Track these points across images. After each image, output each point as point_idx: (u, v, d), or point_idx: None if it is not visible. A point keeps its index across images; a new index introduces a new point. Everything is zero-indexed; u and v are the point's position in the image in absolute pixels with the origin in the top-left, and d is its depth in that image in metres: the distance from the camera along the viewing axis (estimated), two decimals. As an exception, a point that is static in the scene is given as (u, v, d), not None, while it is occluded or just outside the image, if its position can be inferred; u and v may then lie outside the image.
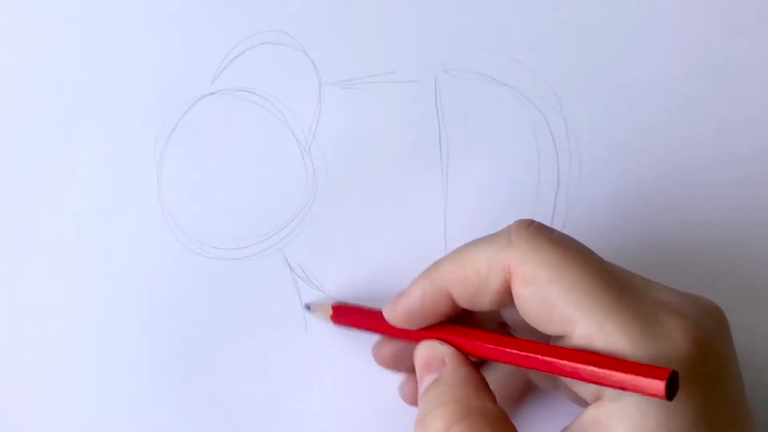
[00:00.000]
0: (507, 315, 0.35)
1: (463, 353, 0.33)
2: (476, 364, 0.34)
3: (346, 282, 0.39)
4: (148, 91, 0.39)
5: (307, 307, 0.39)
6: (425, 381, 0.33)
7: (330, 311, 0.38)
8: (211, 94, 0.39)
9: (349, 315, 0.37)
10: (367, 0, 0.40)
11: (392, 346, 0.37)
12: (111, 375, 0.39)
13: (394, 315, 0.34)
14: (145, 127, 0.39)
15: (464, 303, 0.33)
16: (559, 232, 0.32)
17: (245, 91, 0.39)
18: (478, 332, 0.33)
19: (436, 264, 0.34)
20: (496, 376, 0.37)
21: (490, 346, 0.32)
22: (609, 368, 0.28)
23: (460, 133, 0.39)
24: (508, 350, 0.31)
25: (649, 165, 0.39)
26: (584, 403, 0.31)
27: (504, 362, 0.32)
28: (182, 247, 0.39)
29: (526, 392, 0.38)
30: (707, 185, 0.39)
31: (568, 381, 0.31)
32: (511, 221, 0.39)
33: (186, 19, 0.39)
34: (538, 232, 0.32)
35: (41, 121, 0.39)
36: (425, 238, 0.39)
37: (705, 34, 0.40)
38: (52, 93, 0.39)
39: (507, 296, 0.32)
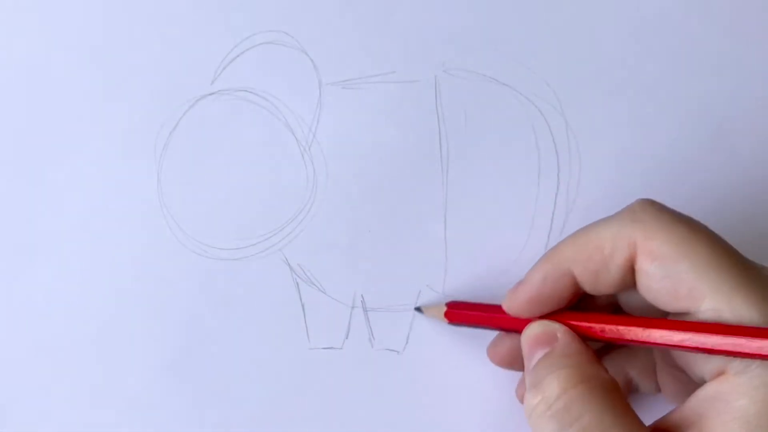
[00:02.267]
0: (625, 301, 0.35)
1: (578, 333, 0.33)
2: None
3: (346, 282, 0.39)
4: (148, 91, 0.39)
5: (418, 309, 0.38)
6: (536, 356, 0.33)
7: (444, 309, 0.37)
8: (211, 94, 0.39)
9: (464, 312, 0.37)
10: (367, 0, 0.40)
11: (510, 343, 0.36)
12: (111, 375, 0.39)
13: (515, 303, 0.34)
14: (145, 127, 0.39)
15: (587, 284, 0.33)
16: (681, 212, 0.32)
17: (245, 91, 0.39)
18: (598, 315, 0.33)
19: (557, 246, 0.33)
20: None
21: (613, 326, 0.32)
22: (745, 336, 0.29)
23: (460, 133, 0.39)
24: (633, 328, 0.31)
25: (649, 165, 0.39)
26: (695, 387, 0.31)
27: (628, 343, 0.32)
28: (182, 247, 0.39)
29: (626, 393, 0.37)
30: (707, 185, 0.39)
31: (687, 361, 0.31)
32: (511, 221, 0.39)
33: (186, 19, 0.39)
34: (662, 209, 0.32)
35: (41, 121, 0.39)
36: (425, 238, 0.39)
37: (705, 34, 0.40)
38: (53, 93, 0.39)
39: (630, 276, 0.32)
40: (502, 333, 0.37)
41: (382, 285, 0.39)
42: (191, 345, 0.39)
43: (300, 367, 0.39)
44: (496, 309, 0.35)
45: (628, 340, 0.32)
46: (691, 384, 0.32)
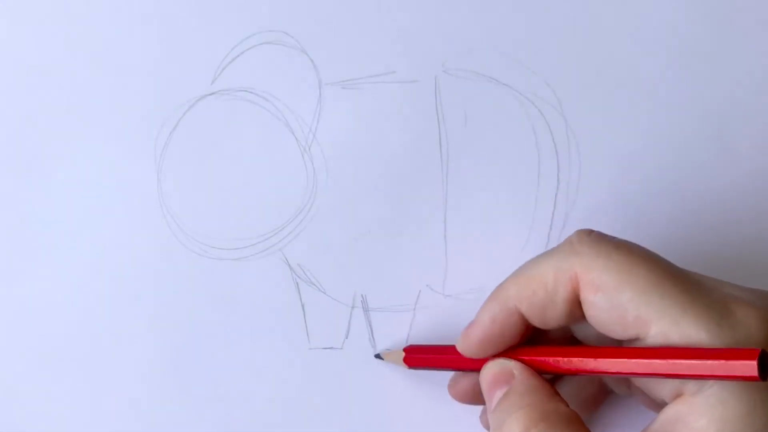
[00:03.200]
0: (579, 331, 0.35)
1: (533, 368, 0.33)
2: (549, 380, 0.33)
3: (346, 282, 0.39)
4: (148, 91, 0.39)
5: (378, 356, 0.39)
6: (495, 397, 0.33)
7: (402, 355, 0.37)
8: (212, 94, 0.39)
9: (422, 356, 0.37)
10: (367, 0, 0.40)
11: (469, 380, 0.36)
12: (111, 375, 0.39)
13: (467, 345, 0.34)
14: (145, 127, 0.39)
15: (535, 320, 0.33)
16: (619, 238, 0.32)
17: (245, 91, 0.39)
18: (550, 348, 0.33)
19: (501, 286, 0.34)
20: (571, 384, 0.37)
21: (565, 358, 0.32)
22: (695, 358, 0.28)
23: (460, 133, 0.39)
24: (585, 359, 0.32)
25: (649, 165, 0.39)
26: (660, 406, 0.31)
27: (582, 374, 0.32)
28: (182, 247, 0.39)
29: (600, 398, 0.38)
30: (707, 185, 0.39)
31: (645, 384, 0.32)
32: (511, 221, 0.39)
33: (186, 19, 0.39)
34: (600, 238, 0.32)
35: (42, 121, 0.39)
36: (425, 238, 0.39)
37: (705, 34, 0.40)
38: (53, 93, 0.39)
39: (577, 308, 0.32)
40: (459, 372, 0.37)
41: (382, 285, 0.39)
42: (191, 345, 0.39)
43: (300, 367, 0.39)
44: (453, 350, 0.35)
45: (582, 371, 0.32)
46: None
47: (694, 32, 0.40)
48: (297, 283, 0.39)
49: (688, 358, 0.29)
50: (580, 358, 0.32)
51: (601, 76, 0.39)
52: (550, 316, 0.32)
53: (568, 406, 0.32)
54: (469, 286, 0.39)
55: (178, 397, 0.39)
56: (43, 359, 0.39)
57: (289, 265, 0.39)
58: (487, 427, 0.37)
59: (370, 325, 0.39)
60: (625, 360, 0.30)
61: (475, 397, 0.36)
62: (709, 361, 0.28)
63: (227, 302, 0.39)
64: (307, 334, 0.39)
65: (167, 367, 0.39)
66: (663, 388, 0.31)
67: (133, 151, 0.39)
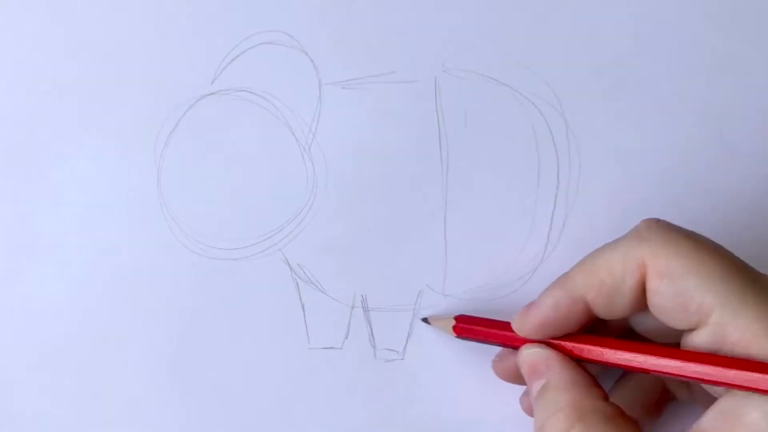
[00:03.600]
0: (637, 324, 0.35)
1: (567, 355, 0.33)
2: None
3: (346, 282, 0.39)
4: (148, 91, 0.39)
5: (425, 320, 0.38)
6: (534, 387, 0.34)
7: (452, 323, 0.37)
8: (211, 94, 0.39)
9: (472, 327, 0.37)
10: (367, 0, 0.40)
11: (515, 361, 0.36)
12: (111, 375, 0.39)
13: (525, 326, 0.34)
14: (145, 127, 0.39)
15: (600, 309, 0.33)
16: (686, 228, 0.33)
17: (245, 91, 0.39)
18: (599, 338, 0.33)
19: (567, 274, 0.34)
20: (633, 389, 0.37)
21: (613, 350, 0.32)
22: (747, 370, 0.29)
23: (460, 133, 0.39)
24: (635, 354, 0.32)
25: (649, 165, 0.39)
26: (710, 402, 0.31)
27: (627, 368, 0.32)
28: (182, 247, 0.39)
29: (662, 403, 0.38)
30: (707, 185, 0.39)
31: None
32: (511, 221, 0.39)
33: (186, 19, 0.39)
34: (667, 226, 0.32)
35: (42, 121, 0.39)
36: (425, 238, 0.39)
37: (705, 34, 0.40)
38: (53, 93, 0.39)
39: (641, 298, 0.32)
40: (506, 350, 0.37)
41: (382, 285, 0.39)
42: (191, 345, 0.39)
43: (300, 367, 0.39)
44: (504, 326, 0.35)
45: (626, 366, 0.32)
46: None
47: (695, 32, 0.40)
48: (297, 283, 0.39)
49: (739, 369, 0.29)
50: (629, 354, 0.32)
51: (601, 76, 0.39)
52: (615, 305, 0.33)
53: (606, 398, 0.32)
54: (469, 286, 0.39)
55: (178, 397, 0.39)
56: (43, 359, 0.39)
57: (289, 265, 0.39)
58: (526, 410, 0.37)
59: (370, 325, 0.39)
60: (676, 361, 0.31)
61: (519, 378, 0.36)
62: (753, 374, 0.29)
63: (227, 302, 0.39)
64: (307, 334, 0.39)
65: (167, 367, 0.39)
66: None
67: (133, 151, 0.39)
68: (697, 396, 0.36)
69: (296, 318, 0.39)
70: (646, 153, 0.39)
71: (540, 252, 0.39)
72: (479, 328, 0.37)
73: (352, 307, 0.39)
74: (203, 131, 0.39)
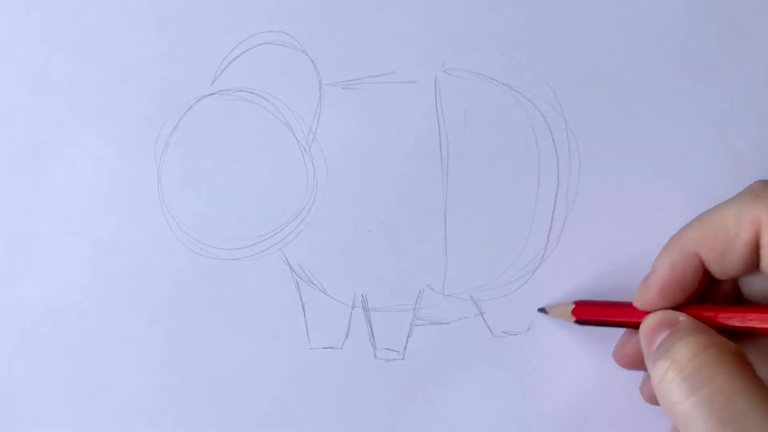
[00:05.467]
0: (748, 288, 0.35)
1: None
2: None
3: (346, 282, 0.39)
4: (148, 92, 0.39)
5: (542, 310, 0.38)
6: (657, 340, 0.33)
7: (571, 307, 0.37)
8: (212, 94, 0.39)
9: (592, 308, 0.37)
10: (367, 0, 0.40)
11: (637, 343, 0.36)
12: (111, 374, 0.39)
13: (647, 296, 0.34)
14: (145, 128, 0.39)
15: (714, 265, 0.33)
16: None
17: (245, 91, 0.39)
18: (722, 306, 0.33)
19: (681, 231, 0.34)
20: (756, 354, 0.36)
21: (739, 314, 0.33)
22: None
23: (460, 133, 0.39)
24: (761, 315, 0.32)
25: (649, 165, 0.39)
26: None
27: (755, 330, 0.32)
28: (183, 247, 0.39)
29: None
30: (707, 185, 0.39)
31: None
32: (510, 221, 0.39)
33: (186, 19, 0.39)
34: None
35: (42, 121, 0.39)
36: (425, 238, 0.39)
37: (705, 34, 0.39)
38: (53, 93, 0.39)
39: (755, 255, 0.32)
40: (628, 335, 0.37)
41: (382, 285, 0.39)
42: (191, 345, 0.39)
43: (300, 367, 0.39)
44: (624, 306, 0.35)
45: (752, 329, 0.32)
46: None
47: (695, 32, 0.39)
48: (297, 283, 0.39)
49: None
50: (754, 314, 0.32)
51: (601, 76, 0.39)
52: (729, 261, 0.33)
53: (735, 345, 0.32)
54: (469, 286, 0.39)
55: (178, 397, 0.39)
56: (43, 359, 0.39)
57: (290, 265, 0.39)
58: (649, 399, 0.37)
59: (371, 325, 0.39)
60: None
61: (642, 363, 0.35)
62: None
63: (227, 302, 0.39)
64: (308, 334, 0.39)
65: (167, 367, 0.39)
66: None
67: (133, 151, 0.39)
68: None
69: (296, 318, 0.39)
70: (646, 153, 0.39)
71: (540, 252, 0.39)
72: (600, 308, 0.37)
73: (353, 307, 0.39)
74: (204, 131, 0.39)
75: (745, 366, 0.30)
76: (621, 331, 0.37)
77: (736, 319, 0.33)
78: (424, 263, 0.39)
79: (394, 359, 0.39)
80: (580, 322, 0.37)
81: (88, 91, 0.39)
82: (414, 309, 0.39)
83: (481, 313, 0.39)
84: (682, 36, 0.39)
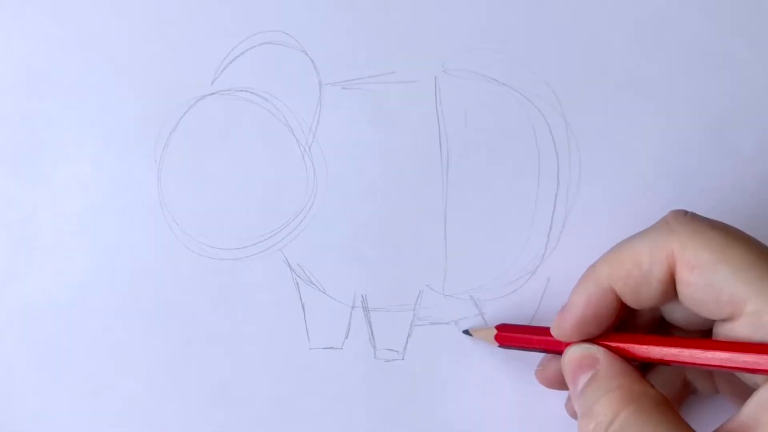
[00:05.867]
0: (669, 313, 0.35)
1: (621, 355, 0.33)
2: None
3: (346, 282, 0.39)
4: (148, 92, 0.39)
5: (466, 332, 0.39)
6: (581, 381, 0.33)
7: (493, 333, 0.37)
8: (212, 94, 0.39)
9: (513, 335, 0.37)
10: (367, 0, 0.40)
11: (558, 366, 0.36)
12: (111, 374, 0.39)
13: (562, 330, 0.34)
14: (145, 128, 0.39)
15: (629, 299, 0.33)
16: (714, 219, 0.32)
17: (245, 91, 0.39)
18: (641, 336, 0.33)
19: (595, 266, 0.34)
20: (654, 380, 0.36)
21: (657, 347, 0.32)
22: None
23: (460, 133, 0.39)
24: (679, 349, 0.32)
25: (649, 165, 0.39)
26: (746, 396, 0.31)
27: (673, 364, 0.32)
28: (182, 247, 0.39)
29: (683, 396, 0.38)
30: (707, 185, 0.39)
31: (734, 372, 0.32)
32: (510, 221, 0.39)
33: (186, 19, 0.39)
34: (695, 218, 0.32)
35: (42, 121, 0.39)
36: (425, 238, 0.39)
37: (705, 34, 0.40)
38: (53, 94, 0.39)
39: (671, 288, 0.32)
40: (548, 358, 0.37)
41: (382, 285, 0.39)
42: (191, 345, 0.39)
43: (300, 367, 0.39)
44: (546, 331, 0.35)
45: (670, 361, 0.32)
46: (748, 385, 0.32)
47: (694, 32, 0.40)
48: (297, 283, 0.39)
49: None
50: (674, 348, 0.32)
51: (601, 76, 0.39)
52: (644, 295, 0.32)
53: (654, 388, 0.32)
54: (469, 286, 0.39)
55: (178, 397, 0.39)
56: (42, 359, 0.39)
57: (290, 265, 0.39)
58: (573, 414, 0.37)
59: (371, 325, 0.39)
60: (715, 352, 0.30)
61: (563, 384, 0.36)
62: None
63: (227, 302, 0.39)
64: (307, 334, 0.39)
65: (167, 367, 0.39)
66: (752, 376, 0.31)
67: (133, 151, 0.39)
68: (720, 388, 0.35)
69: (296, 318, 0.39)
70: (646, 153, 0.39)
71: (540, 252, 0.39)
72: (521, 335, 0.37)
73: (352, 307, 0.39)
74: (204, 131, 0.39)
75: (667, 414, 0.30)
76: None
77: (654, 352, 0.32)
78: (424, 263, 0.39)
79: (394, 359, 0.39)
80: (504, 346, 0.37)
81: (88, 91, 0.39)
82: (414, 309, 0.39)
83: (481, 313, 0.39)
84: (681, 36, 0.40)
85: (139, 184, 0.39)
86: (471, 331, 0.38)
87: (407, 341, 0.39)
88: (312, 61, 0.39)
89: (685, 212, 0.33)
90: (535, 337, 0.36)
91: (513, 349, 0.37)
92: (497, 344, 0.37)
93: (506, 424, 0.39)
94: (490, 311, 0.39)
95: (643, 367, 0.36)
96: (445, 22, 0.40)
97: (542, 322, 0.38)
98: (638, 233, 0.33)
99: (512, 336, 0.37)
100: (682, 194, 0.39)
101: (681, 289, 0.32)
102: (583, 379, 0.33)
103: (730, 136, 0.39)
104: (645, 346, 0.33)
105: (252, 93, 0.39)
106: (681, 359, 0.32)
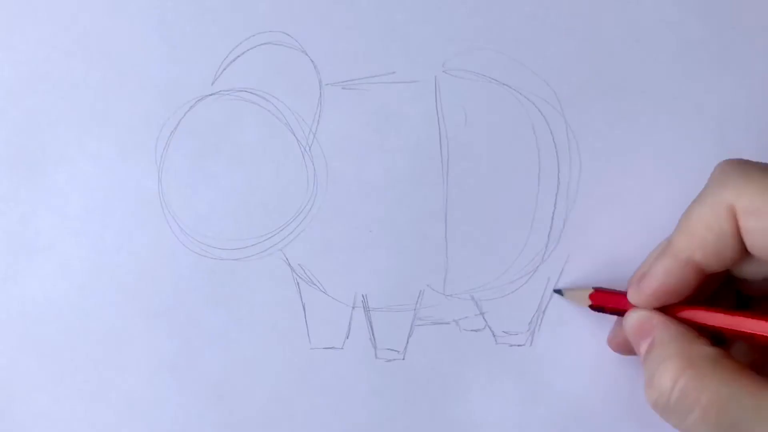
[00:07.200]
0: (745, 273, 0.35)
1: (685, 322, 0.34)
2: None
3: (346, 282, 0.39)
4: (148, 92, 0.39)
5: (558, 291, 0.39)
6: (642, 347, 0.34)
7: (589, 292, 0.37)
8: (212, 94, 0.39)
9: (608, 297, 0.37)
10: (367, 0, 0.40)
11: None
12: (111, 375, 0.39)
13: (640, 297, 0.35)
14: (146, 128, 0.39)
15: (711, 264, 0.33)
16: (763, 162, 0.33)
17: (246, 91, 0.39)
18: (713, 308, 0.34)
19: (671, 240, 0.34)
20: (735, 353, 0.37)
21: (726, 315, 0.33)
22: None
23: (460, 133, 0.39)
24: (747, 319, 0.33)
25: (649, 165, 0.39)
26: None
27: (740, 335, 0.33)
28: (183, 248, 0.39)
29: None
30: (707, 185, 0.39)
31: None
32: (510, 221, 0.39)
33: (186, 20, 0.39)
34: (743, 164, 0.33)
35: (42, 122, 0.39)
36: (425, 238, 0.39)
37: (704, 34, 0.40)
38: (53, 94, 0.39)
39: (742, 242, 0.32)
40: (620, 324, 0.37)
41: (382, 285, 0.39)
42: (191, 345, 0.39)
43: (300, 367, 0.39)
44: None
45: (737, 332, 0.33)
46: None
47: (694, 33, 0.40)
48: (297, 283, 0.39)
49: None
50: (740, 317, 0.33)
51: (601, 76, 0.39)
52: (723, 254, 0.33)
53: (711, 344, 0.33)
54: (469, 285, 0.39)
55: (178, 397, 0.39)
56: (43, 359, 0.39)
57: (290, 265, 0.39)
58: (616, 349, 0.38)
59: (371, 325, 0.39)
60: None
61: (633, 350, 0.36)
62: None
63: (227, 302, 0.39)
64: (308, 334, 0.39)
65: (167, 367, 0.39)
66: None
67: (134, 152, 0.39)
68: None
69: (297, 318, 0.39)
70: (646, 153, 0.39)
71: (540, 252, 0.39)
72: (614, 297, 0.37)
73: (353, 307, 0.39)
74: (204, 132, 0.39)
75: (726, 374, 0.31)
76: None
77: (721, 320, 0.33)
78: (424, 263, 0.39)
79: (394, 359, 0.39)
80: (596, 307, 0.37)
81: (89, 91, 0.39)
82: (415, 309, 0.39)
83: (482, 313, 0.39)
84: (682, 36, 0.40)
85: (139, 184, 0.39)
86: (564, 291, 0.38)
87: (408, 341, 0.39)
88: (312, 61, 0.39)
89: (732, 161, 0.33)
90: (627, 300, 0.36)
91: (605, 312, 0.37)
92: (589, 305, 0.37)
93: (506, 423, 0.39)
94: (490, 311, 0.39)
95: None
96: (445, 22, 0.40)
97: (545, 322, 0.39)
98: (698, 196, 0.34)
99: (607, 297, 0.37)
100: (681, 194, 0.39)
101: (746, 239, 0.32)
102: (644, 345, 0.34)
103: (730, 136, 0.39)
104: (713, 314, 0.33)
105: (252, 93, 0.39)
106: (744, 329, 0.33)
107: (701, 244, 0.33)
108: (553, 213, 0.39)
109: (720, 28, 0.40)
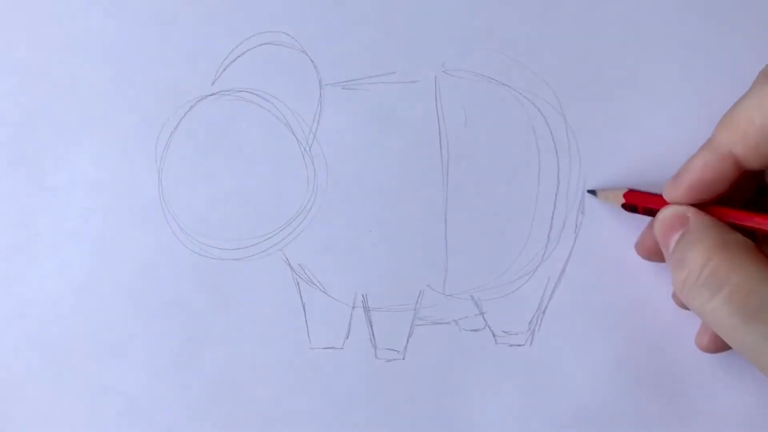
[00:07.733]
0: None
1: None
2: None
3: (346, 282, 0.39)
4: (149, 93, 0.39)
5: (592, 192, 0.39)
6: (672, 240, 0.34)
7: (623, 191, 0.38)
8: (212, 94, 0.39)
9: (641, 197, 0.37)
10: (367, 0, 0.40)
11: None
12: (112, 374, 0.39)
13: (676, 191, 0.35)
14: (146, 128, 0.39)
15: (750, 160, 0.34)
16: None
17: (246, 91, 0.39)
18: (745, 209, 0.34)
19: (712, 136, 0.34)
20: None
21: (763, 218, 0.33)
22: None
23: (460, 133, 0.39)
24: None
25: (649, 165, 0.39)
26: None
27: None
28: (183, 247, 0.39)
29: None
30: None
31: None
32: (510, 221, 0.39)
33: (186, 20, 0.39)
34: None
35: (43, 122, 0.39)
36: (425, 238, 0.39)
37: (704, 34, 0.40)
38: (54, 94, 0.39)
39: None
40: (650, 229, 0.37)
41: (382, 285, 0.39)
42: (192, 345, 0.39)
43: (300, 367, 0.39)
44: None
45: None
46: None
47: (694, 32, 0.40)
48: (298, 283, 0.39)
49: None
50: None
51: (601, 76, 0.39)
52: (764, 149, 0.33)
53: (744, 236, 0.33)
54: (469, 285, 0.39)
55: (178, 397, 0.39)
56: (43, 359, 0.39)
57: (290, 265, 0.39)
58: (681, 305, 0.38)
59: (371, 325, 0.39)
60: None
61: (662, 254, 0.36)
62: None
63: (228, 302, 0.39)
64: (308, 334, 0.39)
65: (167, 367, 0.39)
66: None
67: (134, 152, 0.39)
68: None
69: (297, 318, 0.39)
70: (646, 153, 0.39)
71: (540, 252, 0.39)
72: (646, 197, 0.37)
73: (353, 307, 0.39)
74: (204, 132, 0.39)
75: (758, 260, 0.31)
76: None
77: (758, 222, 0.33)
78: (424, 263, 0.39)
79: (394, 359, 0.39)
80: (628, 206, 0.37)
81: (88, 91, 0.39)
82: (415, 309, 0.39)
83: (482, 313, 0.39)
84: (681, 35, 0.40)
85: (139, 184, 0.39)
86: (598, 192, 0.39)
87: (408, 341, 0.39)
88: (312, 61, 0.39)
89: None
90: (659, 199, 0.36)
91: (634, 211, 0.37)
92: (621, 204, 0.38)
93: (506, 423, 0.39)
94: (491, 311, 0.39)
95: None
96: (445, 22, 0.40)
97: (545, 322, 0.39)
98: (743, 96, 0.34)
99: (641, 196, 0.37)
100: (681, 194, 0.39)
101: None
102: (675, 237, 0.34)
103: (729, 135, 0.39)
104: (746, 214, 0.34)
105: (252, 93, 0.39)
106: None
107: (742, 137, 0.33)
108: (553, 213, 0.39)
109: (720, 28, 0.40)
